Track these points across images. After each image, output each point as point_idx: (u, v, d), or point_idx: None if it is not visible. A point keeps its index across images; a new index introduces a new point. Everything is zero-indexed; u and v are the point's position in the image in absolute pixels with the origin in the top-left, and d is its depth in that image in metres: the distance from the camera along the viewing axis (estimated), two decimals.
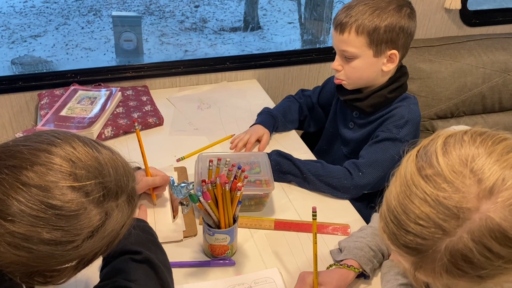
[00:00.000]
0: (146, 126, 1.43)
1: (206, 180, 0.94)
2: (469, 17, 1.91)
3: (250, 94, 1.68)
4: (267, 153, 1.23)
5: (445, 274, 0.61)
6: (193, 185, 1.13)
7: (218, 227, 0.97)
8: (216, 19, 7.45)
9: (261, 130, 1.38)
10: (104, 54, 5.32)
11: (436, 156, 0.61)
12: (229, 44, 6.87)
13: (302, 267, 1.00)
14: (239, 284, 0.96)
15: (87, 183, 0.62)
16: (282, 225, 1.11)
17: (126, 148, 1.36)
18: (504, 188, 0.57)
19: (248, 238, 1.08)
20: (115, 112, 1.44)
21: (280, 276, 0.98)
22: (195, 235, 1.07)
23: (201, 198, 0.90)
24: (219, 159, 0.98)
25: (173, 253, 0.96)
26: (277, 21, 7.49)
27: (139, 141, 1.04)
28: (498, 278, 0.61)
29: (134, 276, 0.82)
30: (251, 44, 6.74)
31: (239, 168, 0.95)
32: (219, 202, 0.93)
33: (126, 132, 1.40)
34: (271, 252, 1.05)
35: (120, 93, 1.51)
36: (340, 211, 1.18)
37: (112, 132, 1.37)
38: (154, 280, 0.83)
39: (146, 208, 1.09)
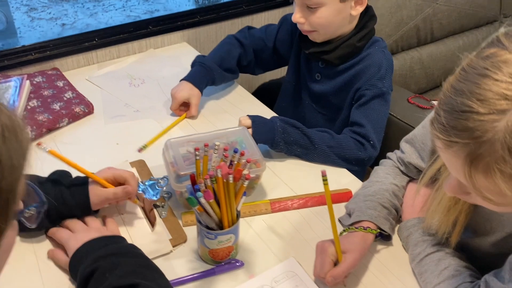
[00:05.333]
0: (74, 118, 1.14)
1: (195, 174, 0.74)
2: None
3: (185, 59, 1.44)
4: (268, 118, 1.04)
5: (510, 157, 0.51)
6: (166, 180, 0.92)
7: (220, 227, 0.78)
8: None
9: (186, 92, 1.15)
10: None
11: (498, 39, 0.55)
12: (111, 11, 6.29)
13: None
14: (259, 287, 0.79)
15: None
16: (280, 206, 0.95)
17: (56, 149, 1.07)
18: None
19: (247, 230, 0.90)
20: (28, 107, 1.13)
21: (299, 265, 0.83)
22: (184, 242, 0.87)
23: (202, 199, 0.70)
24: (205, 145, 0.78)
25: (164, 270, 0.75)
26: None
27: None
28: None
29: None
30: (137, 8, 6.21)
31: (235, 151, 0.76)
32: (221, 199, 0.74)
33: (50, 130, 1.11)
34: (278, 240, 0.89)
35: (28, 81, 1.18)
36: (333, 175, 1.04)
37: (33, 133, 1.07)
38: None
39: (114, 221, 0.86)
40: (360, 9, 1.08)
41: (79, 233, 0.79)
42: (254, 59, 1.28)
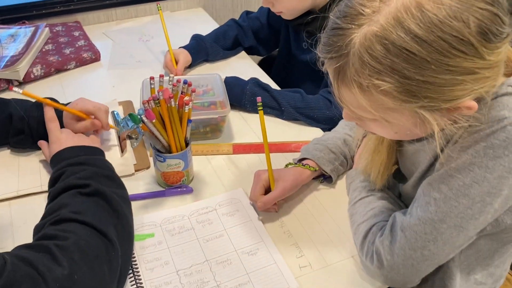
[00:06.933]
0: (81, 62, 1.28)
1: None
2: None
3: (197, 23, 1.55)
4: (243, 81, 1.13)
5: (364, 71, 0.56)
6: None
7: (169, 152, 0.87)
8: None
9: (177, 50, 1.25)
10: None
11: None
12: None
13: None
14: (203, 208, 0.87)
15: None
16: (242, 148, 1.02)
17: (61, 88, 1.21)
18: None
19: (205, 165, 0.99)
20: (43, 50, 1.28)
21: (245, 195, 0.90)
22: (147, 168, 0.97)
23: (143, 117, 0.79)
24: (161, 76, 0.87)
25: None
26: None
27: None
28: (433, 91, 0.55)
29: (81, 208, 0.71)
30: None
31: (185, 83, 0.84)
32: (166, 122, 0.82)
33: (58, 70, 1.25)
34: (231, 176, 0.96)
35: (47, 29, 1.34)
36: (302, 130, 1.10)
37: (42, 71, 1.21)
38: (107, 211, 0.73)
39: (98, 139, 0.96)
40: None
41: (65, 139, 0.88)
42: (255, 40, 1.37)
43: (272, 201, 0.83)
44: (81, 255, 0.65)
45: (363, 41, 0.55)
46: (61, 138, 0.87)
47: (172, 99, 0.80)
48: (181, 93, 0.85)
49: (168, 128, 0.83)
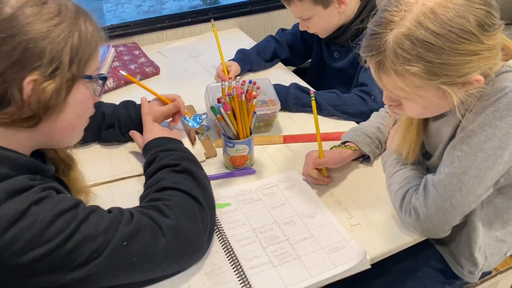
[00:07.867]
0: (144, 75, 1.50)
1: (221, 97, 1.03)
2: None
3: (236, 40, 1.76)
4: (286, 86, 1.33)
5: (398, 60, 0.76)
6: (206, 115, 1.22)
7: (237, 139, 1.07)
8: None
9: (229, 62, 1.47)
10: None
11: None
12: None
13: None
14: (266, 184, 1.06)
15: None
16: (290, 139, 1.22)
17: (130, 97, 1.42)
18: None
19: (261, 153, 1.18)
20: (112, 66, 1.50)
21: (299, 174, 1.09)
22: (215, 156, 1.17)
23: (221, 109, 0.99)
24: (230, 78, 1.07)
25: None
26: None
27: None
28: (449, 70, 0.75)
29: (176, 180, 0.90)
30: None
31: (250, 82, 1.04)
32: (237, 114, 1.02)
33: (127, 83, 1.47)
34: (285, 160, 1.15)
35: (113, 49, 1.56)
36: (339, 124, 1.29)
37: (114, 84, 1.43)
38: (194, 184, 0.91)
39: (179, 133, 1.15)
40: (344, 7, 1.32)
41: (156, 130, 1.09)
42: (290, 52, 1.59)
43: (323, 164, 1.03)
44: (183, 212, 0.84)
45: (395, 40, 0.76)
46: (154, 130, 1.07)
47: (242, 94, 1.00)
48: (247, 90, 1.05)
49: (238, 118, 1.03)
